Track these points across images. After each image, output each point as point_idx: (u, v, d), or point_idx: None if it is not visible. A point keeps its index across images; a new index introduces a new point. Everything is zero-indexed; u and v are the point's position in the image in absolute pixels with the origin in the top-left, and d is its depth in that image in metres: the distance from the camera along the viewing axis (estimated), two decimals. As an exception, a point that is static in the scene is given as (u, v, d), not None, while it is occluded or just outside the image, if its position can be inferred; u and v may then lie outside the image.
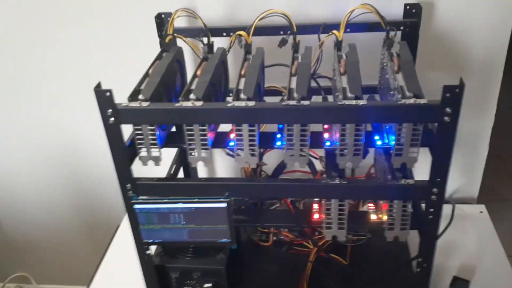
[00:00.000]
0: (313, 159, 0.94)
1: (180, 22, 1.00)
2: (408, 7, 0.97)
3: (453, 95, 0.66)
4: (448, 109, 0.67)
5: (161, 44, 0.93)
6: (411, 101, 0.68)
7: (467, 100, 1.12)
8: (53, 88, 1.26)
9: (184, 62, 0.95)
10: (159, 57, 0.87)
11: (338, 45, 0.87)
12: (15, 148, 1.40)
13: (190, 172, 1.17)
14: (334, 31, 0.87)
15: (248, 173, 1.03)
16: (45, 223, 1.57)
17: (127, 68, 1.12)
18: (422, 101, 0.68)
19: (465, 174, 1.28)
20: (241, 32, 0.88)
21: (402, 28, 0.97)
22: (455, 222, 1.18)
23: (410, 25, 0.97)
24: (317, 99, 0.92)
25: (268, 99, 0.95)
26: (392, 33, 0.86)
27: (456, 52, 1.08)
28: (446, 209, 1.16)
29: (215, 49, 0.92)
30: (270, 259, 1.08)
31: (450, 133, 0.69)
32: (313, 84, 0.94)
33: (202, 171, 1.29)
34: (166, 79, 0.82)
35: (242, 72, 0.81)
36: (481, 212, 1.26)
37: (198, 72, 0.82)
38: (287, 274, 1.04)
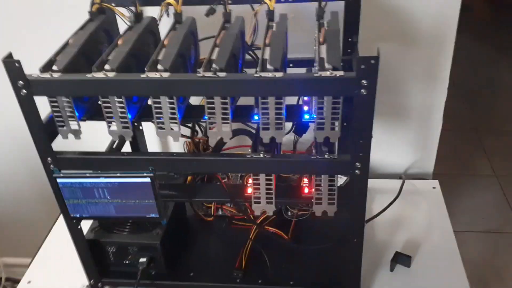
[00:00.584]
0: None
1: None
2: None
3: (369, 67, 0.64)
4: (364, 82, 0.65)
5: (89, 13, 0.89)
6: (327, 73, 0.66)
7: (417, 71, 1.12)
8: None
9: (115, 32, 0.91)
10: (83, 26, 0.84)
11: (269, 14, 0.84)
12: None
13: (139, 146, 1.14)
14: (266, 0, 0.83)
15: (190, 148, 1.01)
16: (2, 194, 1.55)
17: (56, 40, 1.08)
18: (338, 73, 0.65)
19: (419, 149, 1.27)
20: (171, 1, 0.84)
21: (344, -1, 0.93)
22: (406, 197, 1.17)
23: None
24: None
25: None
26: (323, 3, 0.83)
27: (404, 23, 1.05)
28: (398, 184, 1.17)
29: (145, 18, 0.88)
30: (212, 235, 1.07)
31: (368, 105, 0.67)
32: (249, 57, 0.91)
33: (153, 145, 1.26)
34: (88, 50, 0.79)
35: (165, 42, 0.78)
36: (434, 187, 1.25)
37: (119, 42, 0.78)
38: (227, 250, 1.03)
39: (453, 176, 2.14)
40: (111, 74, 0.70)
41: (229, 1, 0.87)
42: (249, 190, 0.86)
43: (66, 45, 0.79)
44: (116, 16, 0.91)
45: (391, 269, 1.03)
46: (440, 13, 1.04)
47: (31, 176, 1.48)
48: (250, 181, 0.87)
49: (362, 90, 0.65)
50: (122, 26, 0.95)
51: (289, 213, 1.07)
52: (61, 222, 1.19)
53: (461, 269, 1.02)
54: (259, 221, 1.00)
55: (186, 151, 1.01)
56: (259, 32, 0.87)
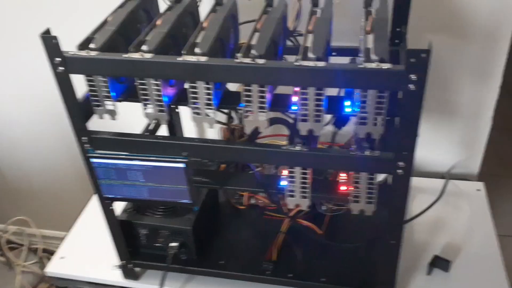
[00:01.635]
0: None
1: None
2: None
3: (419, 61, 0.59)
4: (413, 76, 0.60)
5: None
6: (373, 65, 0.61)
7: (468, 67, 1.05)
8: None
9: (154, 11, 0.89)
10: (122, 4, 0.82)
11: (314, 0, 0.80)
12: (14, 96, 1.40)
13: (175, 130, 1.13)
14: (312, -16, 0.79)
15: (226, 135, 0.99)
16: (44, 169, 1.59)
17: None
18: (385, 65, 0.61)
19: (465, 148, 1.20)
20: (212, -18, 0.81)
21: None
22: (448, 199, 1.12)
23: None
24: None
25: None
26: (373, -11, 0.78)
27: (458, 12, 0.98)
28: (440, 183, 1.11)
29: (187, -1, 0.86)
30: (243, 224, 1.05)
31: (416, 102, 0.63)
32: (290, 43, 0.88)
33: (190, 130, 1.25)
34: (126, 29, 0.77)
35: (204, 25, 0.75)
36: (478, 190, 1.18)
37: (158, 22, 0.76)
38: (258, 240, 1.01)
39: (496, 177, 2.03)
40: (148, 55, 0.68)
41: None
42: (283, 182, 0.84)
43: (104, 23, 0.77)
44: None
45: (428, 273, 0.98)
46: (498, 7, 0.96)
47: (68, 153, 1.50)
48: (285, 172, 0.85)
49: (410, 85, 0.61)
50: (162, 5, 0.93)
51: (324, 207, 1.04)
52: (95, 201, 1.20)
53: (503, 276, 0.96)
54: (292, 213, 0.97)
55: (221, 137, 0.99)
56: (302, 17, 0.84)
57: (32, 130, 1.48)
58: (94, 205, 1.20)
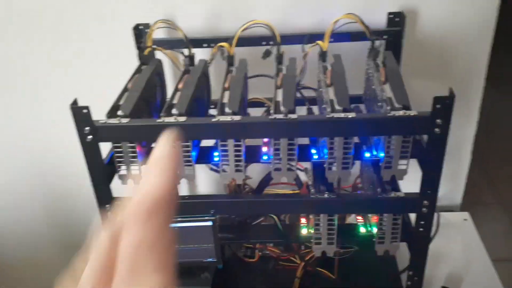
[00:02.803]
0: (297, 171, 0.92)
1: (158, 33, 0.96)
2: (391, 16, 0.96)
3: (444, 106, 0.65)
4: (438, 121, 0.66)
5: (139, 56, 0.89)
6: (401, 113, 0.67)
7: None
8: (27, 102, 1.20)
9: (164, 75, 0.91)
10: (138, 70, 0.84)
11: (322, 55, 0.85)
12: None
13: None
14: (319, 42, 0.85)
15: (232, 188, 1.00)
16: (18, 240, 1.50)
17: (104, 83, 1.07)
18: (412, 113, 0.67)
19: (448, 182, 1.28)
20: (224, 44, 0.85)
21: (385, 37, 0.96)
22: (440, 231, 1.18)
23: (394, 33, 0.95)
24: (301, 110, 0.90)
25: (251, 111, 0.93)
26: (377, 43, 0.85)
27: (439, 60, 1.08)
28: (431, 217, 1.17)
29: (196, 61, 0.89)
30: (257, 276, 1.05)
31: (440, 144, 0.68)
32: (297, 95, 0.92)
33: (183, 188, 1.25)
34: (146, 94, 0.79)
35: (226, 85, 0.78)
36: (465, 219, 1.25)
37: (180, 86, 0.78)
38: (275, 291, 1.01)
39: (476, 205, 2.16)
40: (181, 119, 0.70)
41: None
42: (304, 230, 0.86)
43: (125, 90, 0.78)
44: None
45: (439, 304, 1.02)
46: (470, 52, 1.07)
47: (47, 218, 1.44)
48: (303, 220, 0.87)
49: (436, 129, 0.66)
50: (167, 68, 0.96)
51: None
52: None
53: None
54: (307, 258, 0.98)
55: (226, 191, 1.00)
56: (308, 72, 0.89)
57: (6, 197, 1.40)
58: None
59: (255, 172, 0.96)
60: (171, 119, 0.69)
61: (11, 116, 1.23)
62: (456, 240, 1.20)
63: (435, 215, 1.17)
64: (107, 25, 1.06)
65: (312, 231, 0.82)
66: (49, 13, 1.07)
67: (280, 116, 0.69)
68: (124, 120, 0.70)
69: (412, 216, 0.82)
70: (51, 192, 1.37)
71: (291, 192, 1.06)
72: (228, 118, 0.69)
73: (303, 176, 0.98)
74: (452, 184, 1.29)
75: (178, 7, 1.02)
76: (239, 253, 1.10)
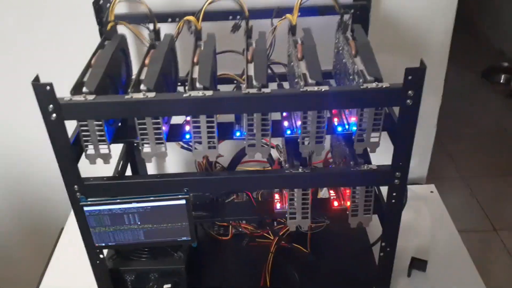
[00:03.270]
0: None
1: (120, 8, 0.93)
2: (358, -10, 0.96)
3: (415, 78, 0.65)
4: (410, 92, 0.66)
5: (101, 32, 0.86)
6: (373, 85, 0.67)
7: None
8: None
9: (128, 50, 0.88)
10: (101, 45, 0.80)
11: (292, 29, 0.84)
12: None
13: (138, 168, 1.10)
14: (288, 15, 0.84)
15: (203, 166, 0.99)
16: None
17: (65, 59, 1.03)
18: (385, 84, 0.67)
19: (414, 155, 1.30)
20: (190, 18, 0.83)
21: (352, 11, 0.95)
22: (408, 203, 1.20)
23: (361, 7, 0.95)
24: (271, 86, 0.89)
25: (221, 87, 0.91)
26: (346, 17, 0.84)
27: (404, 33, 1.08)
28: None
29: (162, 36, 0.86)
30: (231, 253, 1.04)
31: (412, 116, 0.69)
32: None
33: (151, 167, 1.23)
34: (111, 70, 0.76)
35: (195, 60, 0.76)
36: (432, 192, 1.29)
37: (147, 61, 0.76)
38: (249, 267, 1.01)
39: (442, 178, 2.22)
40: (150, 95, 0.67)
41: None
42: (278, 206, 0.86)
43: (89, 66, 0.75)
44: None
45: (408, 275, 1.04)
46: (436, 25, 1.08)
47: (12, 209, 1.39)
48: (277, 196, 0.87)
49: (408, 100, 0.67)
50: (132, 43, 0.93)
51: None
52: (57, 254, 1.12)
53: (473, 268, 1.05)
54: (281, 234, 0.99)
55: (197, 169, 0.98)
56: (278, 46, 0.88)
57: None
58: (56, 261, 1.12)
59: (224, 149, 0.94)
60: (139, 95, 0.67)
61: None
62: (424, 212, 1.23)
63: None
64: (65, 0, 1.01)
65: (286, 206, 0.82)
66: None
67: (254, 90, 0.67)
68: (90, 97, 0.67)
69: (383, 189, 0.83)
70: (15, 176, 1.32)
71: (262, 169, 1.05)
72: (200, 94, 0.67)
73: (274, 153, 0.98)
74: (418, 157, 1.31)
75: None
76: (213, 232, 1.09)
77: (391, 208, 0.79)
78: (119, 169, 0.99)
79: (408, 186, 1.24)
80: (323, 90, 0.67)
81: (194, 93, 0.67)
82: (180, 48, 0.92)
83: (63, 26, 1.05)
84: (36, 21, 1.05)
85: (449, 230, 1.16)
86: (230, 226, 1.05)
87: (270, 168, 0.98)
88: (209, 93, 0.67)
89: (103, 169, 0.77)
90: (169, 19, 0.93)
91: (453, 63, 1.21)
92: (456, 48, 1.14)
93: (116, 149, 0.99)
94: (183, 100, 0.66)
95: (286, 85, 0.93)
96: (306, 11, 0.92)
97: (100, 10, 0.93)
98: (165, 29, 0.88)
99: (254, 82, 0.69)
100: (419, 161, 1.32)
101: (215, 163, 1.00)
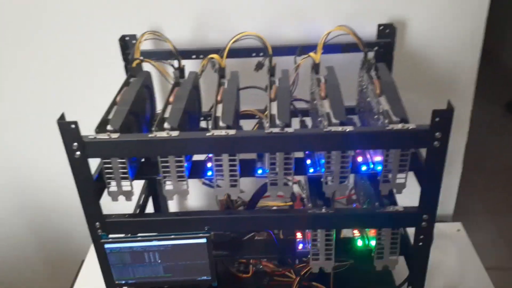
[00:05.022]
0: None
1: (146, 45, 0.94)
2: (381, 28, 0.96)
3: (443, 119, 0.64)
4: (437, 134, 0.65)
5: (127, 69, 0.87)
6: (399, 126, 0.65)
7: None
8: (12, 116, 1.16)
9: (153, 87, 0.89)
10: (126, 83, 0.81)
11: (315, 68, 0.84)
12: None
13: (160, 204, 1.10)
14: (311, 54, 0.84)
15: (224, 202, 0.98)
16: (2, 257, 1.45)
17: (91, 96, 1.05)
18: (411, 125, 0.65)
19: (440, 193, 1.27)
20: (214, 56, 0.83)
21: (376, 48, 0.95)
22: (434, 242, 1.17)
23: (385, 45, 0.95)
24: (294, 121, 0.89)
25: (243, 122, 0.91)
26: (370, 55, 0.84)
27: (429, 71, 1.07)
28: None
29: (186, 73, 0.87)
30: (251, 292, 1.02)
31: (440, 157, 0.67)
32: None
33: (173, 203, 1.22)
34: (136, 107, 0.76)
35: (219, 98, 0.76)
36: (458, 230, 1.25)
37: (171, 99, 0.76)
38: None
39: (469, 214, 2.16)
40: (174, 133, 0.67)
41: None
42: (300, 246, 0.84)
43: (114, 103, 0.76)
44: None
45: (436, 317, 1.00)
46: (461, 63, 1.07)
47: (34, 236, 1.40)
48: (299, 235, 0.85)
49: (435, 142, 0.65)
50: (156, 80, 0.94)
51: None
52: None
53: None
54: (302, 272, 0.96)
55: (219, 207, 0.97)
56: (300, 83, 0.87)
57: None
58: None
59: (247, 185, 0.93)
60: (163, 134, 0.67)
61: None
62: (450, 251, 1.19)
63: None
64: (93, 37, 1.04)
65: (309, 246, 0.80)
66: (34, 25, 1.04)
67: (277, 130, 0.67)
68: (114, 135, 0.67)
69: (410, 229, 0.81)
70: (39, 208, 1.33)
71: (284, 204, 1.04)
72: (222, 132, 0.67)
73: (295, 188, 0.96)
74: (445, 195, 1.27)
75: (165, 18, 1.01)
76: (232, 269, 1.07)
77: (419, 251, 0.77)
78: (141, 203, 0.99)
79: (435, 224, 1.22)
80: (347, 130, 0.66)
81: (217, 132, 0.67)
82: (204, 83, 0.92)
83: (90, 63, 1.07)
84: (63, 56, 1.07)
85: (477, 269, 1.12)
86: (251, 264, 1.03)
87: (291, 203, 0.97)
88: (232, 132, 0.67)
89: (125, 204, 0.77)
90: (193, 56, 0.94)
91: (477, 95, 1.19)
92: (479, 80, 1.12)
93: (138, 183, 0.99)
94: (206, 139, 0.66)
95: (308, 120, 0.92)
96: (328, 48, 0.91)
97: (126, 47, 0.95)
98: (190, 66, 0.89)
99: (277, 121, 0.69)
100: (446, 199, 1.29)
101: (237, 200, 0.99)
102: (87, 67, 1.07)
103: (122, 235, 0.77)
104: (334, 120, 0.68)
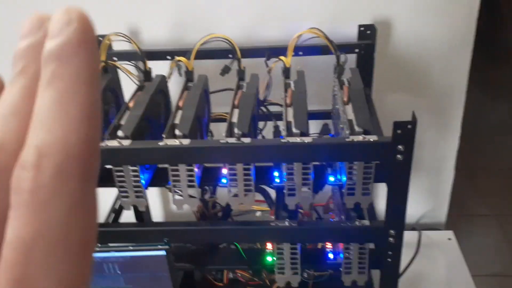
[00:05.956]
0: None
1: (121, 45, 0.91)
2: (362, 29, 0.91)
3: (405, 132, 0.60)
4: (400, 147, 0.61)
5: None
6: (360, 138, 0.61)
7: (429, 122, 1.09)
8: None
9: (120, 91, 0.86)
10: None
11: (285, 72, 0.80)
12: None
13: (143, 214, 1.06)
14: (281, 57, 0.80)
15: (200, 210, 0.95)
16: None
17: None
18: (372, 138, 0.61)
19: (431, 199, 1.23)
20: (181, 58, 0.80)
21: (357, 50, 0.90)
22: (422, 250, 1.12)
23: (365, 47, 0.90)
24: (269, 125, 0.86)
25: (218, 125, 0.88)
26: (342, 59, 0.80)
27: (416, 73, 1.02)
28: (413, 236, 1.12)
29: (154, 75, 0.84)
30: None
31: (404, 171, 0.63)
32: (264, 110, 0.87)
33: (156, 211, 1.20)
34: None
35: (180, 104, 0.73)
36: (449, 239, 1.20)
37: (130, 104, 0.73)
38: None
39: (462, 222, 2.10)
40: (125, 142, 0.64)
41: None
42: (269, 258, 0.81)
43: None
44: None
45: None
46: (450, 64, 1.02)
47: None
48: (269, 245, 0.82)
49: (398, 155, 0.61)
50: (125, 82, 0.91)
51: (305, 275, 1.01)
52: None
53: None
54: (275, 286, 0.93)
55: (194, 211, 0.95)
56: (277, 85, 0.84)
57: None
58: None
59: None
60: (175, 142, 0.64)
61: None
62: (439, 261, 1.14)
63: (416, 234, 1.13)
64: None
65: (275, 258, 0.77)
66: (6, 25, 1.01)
67: (233, 140, 0.64)
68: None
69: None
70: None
71: (263, 209, 1.01)
72: (176, 142, 0.64)
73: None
74: (436, 201, 1.23)
75: (142, 18, 0.98)
76: (209, 276, 1.04)
77: (387, 267, 0.73)
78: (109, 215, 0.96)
79: (424, 232, 1.17)
80: (305, 141, 0.62)
81: (170, 142, 0.64)
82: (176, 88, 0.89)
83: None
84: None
85: (466, 281, 1.08)
86: (225, 272, 1.01)
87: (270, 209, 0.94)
88: (186, 141, 0.64)
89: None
90: (168, 57, 0.90)
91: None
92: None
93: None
94: (154, 149, 0.63)
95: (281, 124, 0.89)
96: (307, 50, 0.88)
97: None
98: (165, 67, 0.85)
99: (236, 130, 0.65)
100: (437, 205, 1.24)
101: (213, 204, 0.96)
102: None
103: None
104: (294, 130, 0.65)
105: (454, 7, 0.95)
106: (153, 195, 1.19)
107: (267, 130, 0.87)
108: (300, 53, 0.87)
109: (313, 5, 0.96)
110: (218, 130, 0.89)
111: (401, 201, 0.66)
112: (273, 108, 0.87)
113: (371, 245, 0.78)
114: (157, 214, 1.24)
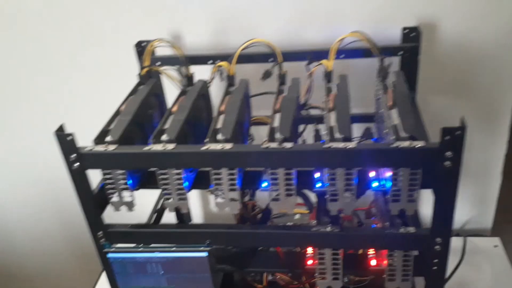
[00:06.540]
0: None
1: (164, 50, 0.93)
2: (406, 31, 0.89)
3: (454, 138, 0.58)
4: (448, 153, 0.59)
5: (140, 77, 0.86)
6: (406, 144, 0.60)
7: (475, 126, 1.06)
8: (35, 117, 1.19)
9: (163, 95, 0.88)
10: (133, 91, 0.80)
11: (327, 76, 0.80)
12: (7, 178, 1.34)
13: (183, 216, 1.08)
14: (323, 61, 0.79)
15: (240, 212, 0.95)
16: (34, 253, 1.51)
17: (109, 104, 1.05)
18: (419, 143, 0.60)
19: (477, 204, 1.19)
20: (222, 63, 0.81)
21: (401, 53, 0.89)
22: (468, 258, 1.09)
23: (410, 49, 0.88)
24: (309, 128, 0.85)
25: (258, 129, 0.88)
26: (386, 62, 0.78)
27: (462, 76, 0.99)
28: (458, 242, 1.09)
29: (196, 80, 0.85)
30: (264, 304, 0.99)
31: (452, 178, 0.61)
32: (305, 114, 0.86)
33: (196, 211, 1.21)
34: (140, 117, 0.75)
35: (222, 109, 0.74)
36: (496, 246, 1.16)
37: (174, 109, 0.74)
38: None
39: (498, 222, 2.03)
40: (170, 146, 0.66)
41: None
42: (310, 262, 0.80)
43: (117, 112, 0.75)
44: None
45: None
46: (498, 66, 0.98)
47: (65, 235, 1.44)
48: (310, 250, 0.81)
49: (446, 162, 0.59)
50: (168, 87, 0.92)
51: (345, 279, 0.99)
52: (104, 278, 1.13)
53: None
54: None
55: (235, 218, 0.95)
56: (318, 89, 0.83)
57: (20, 211, 1.41)
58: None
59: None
60: (158, 147, 0.65)
61: (20, 132, 1.22)
62: (485, 269, 1.10)
63: (461, 240, 1.09)
64: (108, 43, 1.03)
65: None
66: (50, 32, 1.05)
67: (274, 145, 0.63)
68: (111, 147, 0.67)
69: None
70: (65, 206, 1.37)
71: (303, 212, 1.00)
72: (218, 147, 0.64)
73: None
74: (482, 206, 1.19)
75: (184, 23, 0.99)
76: (249, 277, 1.05)
77: (433, 274, 0.71)
78: (154, 216, 0.98)
79: (470, 238, 1.14)
80: (348, 147, 0.61)
81: (213, 146, 0.64)
82: (217, 93, 0.90)
83: (107, 69, 1.06)
84: (79, 62, 1.07)
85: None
86: (265, 274, 1.01)
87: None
88: (228, 146, 0.64)
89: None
90: (210, 62, 0.91)
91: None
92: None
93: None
94: (201, 153, 0.64)
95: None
96: (349, 53, 0.87)
97: (142, 53, 0.94)
98: (207, 72, 0.86)
99: (277, 135, 0.65)
100: (483, 212, 1.20)
101: (253, 206, 0.97)
102: (105, 74, 1.07)
103: (124, 246, 0.76)
104: (337, 135, 0.64)
105: (500, 7, 0.92)
106: (193, 196, 1.21)
107: (306, 133, 0.86)
108: (342, 56, 0.87)
109: (355, 7, 0.94)
110: (259, 134, 0.89)
111: (449, 209, 0.64)
112: (312, 111, 0.87)
113: (415, 251, 0.76)
114: (196, 215, 1.25)
